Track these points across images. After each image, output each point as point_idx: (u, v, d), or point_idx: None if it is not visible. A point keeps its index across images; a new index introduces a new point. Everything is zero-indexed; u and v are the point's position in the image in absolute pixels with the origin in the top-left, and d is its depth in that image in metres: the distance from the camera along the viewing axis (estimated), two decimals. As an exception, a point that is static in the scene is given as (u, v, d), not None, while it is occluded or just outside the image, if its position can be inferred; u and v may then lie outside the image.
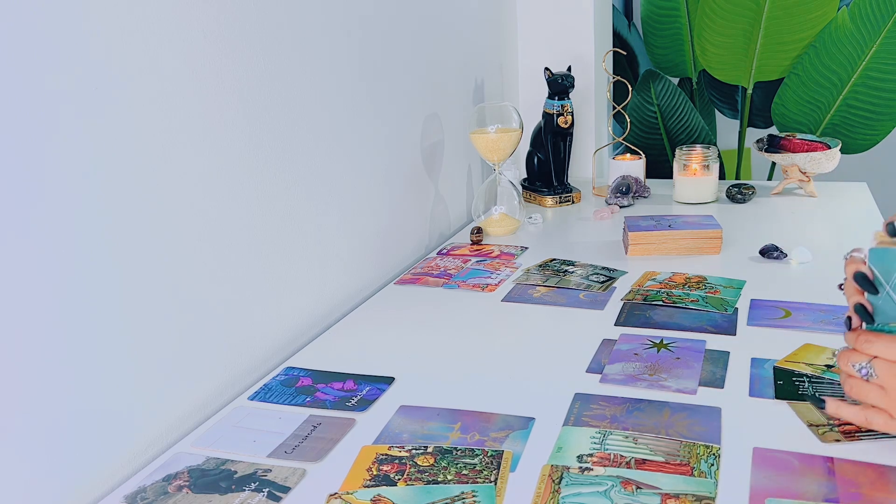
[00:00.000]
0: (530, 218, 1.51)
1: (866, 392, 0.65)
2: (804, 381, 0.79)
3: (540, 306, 1.06)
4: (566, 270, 1.20)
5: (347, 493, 0.66)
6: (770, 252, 1.20)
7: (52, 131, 0.64)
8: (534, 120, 1.70)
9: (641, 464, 0.67)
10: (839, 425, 0.71)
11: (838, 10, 2.03)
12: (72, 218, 0.66)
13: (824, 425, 0.71)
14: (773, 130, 2.68)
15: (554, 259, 1.26)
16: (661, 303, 1.03)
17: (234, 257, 0.88)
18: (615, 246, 1.32)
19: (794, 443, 0.69)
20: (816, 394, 0.76)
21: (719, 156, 1.68)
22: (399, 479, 0.67)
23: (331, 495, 0.66)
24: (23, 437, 0.63)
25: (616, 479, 0.65)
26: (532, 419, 0.76)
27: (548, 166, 1.65)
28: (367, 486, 0.67)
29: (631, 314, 1.01)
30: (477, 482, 0.66)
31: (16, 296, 0.61)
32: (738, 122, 2.66)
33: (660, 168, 2.27)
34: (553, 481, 0.65)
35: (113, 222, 0.71)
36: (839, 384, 0.78)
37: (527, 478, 0.66)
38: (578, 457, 0.69)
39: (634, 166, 1.67)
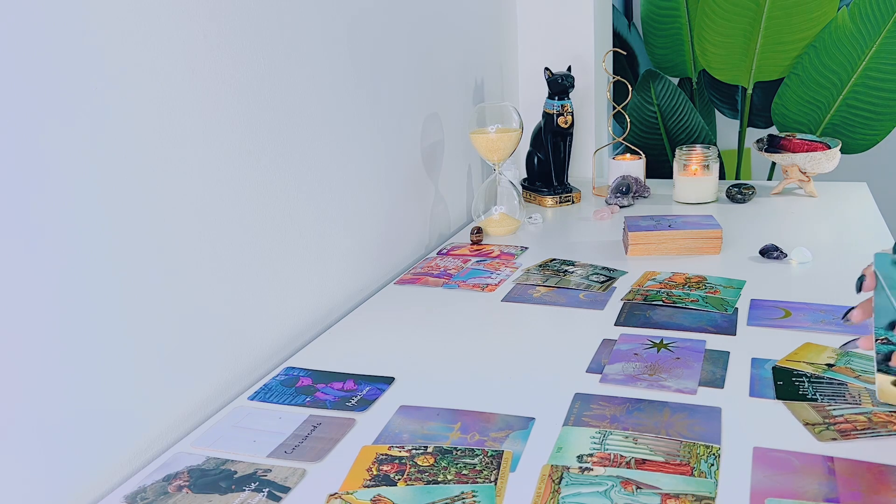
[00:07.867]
0: (530, 218, 1.51)
1: None
2: (804, 382, 0.79)
3: (540, 306, 1.06)
4: (566, 270, 1.20)
5: (347, 493, 0.66)
6: (770, 252, 1.20)
7: (52, 131, 0.64)
8: (534, 120, 1.70)
9: (641, 464, 0.67)
10: (835, 424, 0.71)
11: (838, 10, 2.03)
12: (71, 218, 0.66)
13: (820, 424, 0.71)
14: (773, 130, 2.68)
15: (554, 259, 1.26)
16: (661, 303, 1.03)
17: (234, 257, 0.88)
18: (615, 246, 1.32)
19: (795, 443, 0.69)
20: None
21: (719, 156, 1.68)
22: (399, 479, 0.67)
23: (331, 495, 0.66)
24: (23, 436, 0.63)
25: (616, 479, 0.65)
26: (532, 419, 0.76)
27: (548, 166, 1.65)
28: (367, 486, 0.67)
29: (631, 314, 1.01)
30: (477, 482, 0.66)
31: (15, 295, 0.61)
32: (738, 122, 2.66)
33: (660, 168, 2.27)
34: (553, 481, 0.65)
35: (113, 222, 0.71)
36: (840, 383, 0.78)
37: (527, 478, 0.66)
38: (578, 457, 0.69)
39: (634, 166, 1.67)
